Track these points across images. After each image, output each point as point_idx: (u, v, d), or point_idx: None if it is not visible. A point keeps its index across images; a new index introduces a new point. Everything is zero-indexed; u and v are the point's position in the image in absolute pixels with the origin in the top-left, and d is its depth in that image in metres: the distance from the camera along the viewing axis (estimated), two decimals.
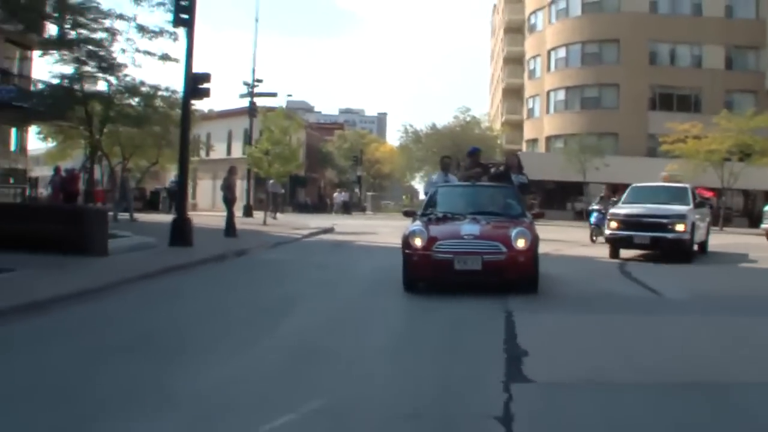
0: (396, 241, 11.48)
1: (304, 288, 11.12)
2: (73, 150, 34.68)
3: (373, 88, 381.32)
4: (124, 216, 25.22)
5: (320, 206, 60.38)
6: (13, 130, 28.64)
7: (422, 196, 18.64)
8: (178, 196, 17.38)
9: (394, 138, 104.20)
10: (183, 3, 15.68)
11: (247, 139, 37.54)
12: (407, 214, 13.04)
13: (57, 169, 29.98)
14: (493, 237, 10.02)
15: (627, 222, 16.78)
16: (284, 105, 40.99)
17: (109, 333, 7.52)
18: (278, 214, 35.49)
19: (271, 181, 33.61)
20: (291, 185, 52.82)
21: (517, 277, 10.03)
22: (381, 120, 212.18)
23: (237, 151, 55.84)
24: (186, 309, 9.29)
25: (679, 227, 16.18)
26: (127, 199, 27.61)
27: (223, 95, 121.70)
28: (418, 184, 77.64)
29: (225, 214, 20.49)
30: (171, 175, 40.49)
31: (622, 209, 17.51)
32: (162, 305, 9.64)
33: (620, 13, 53.56)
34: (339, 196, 61.40)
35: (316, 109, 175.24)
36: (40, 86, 24.25)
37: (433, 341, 7.16)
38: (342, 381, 5.63)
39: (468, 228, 10.19)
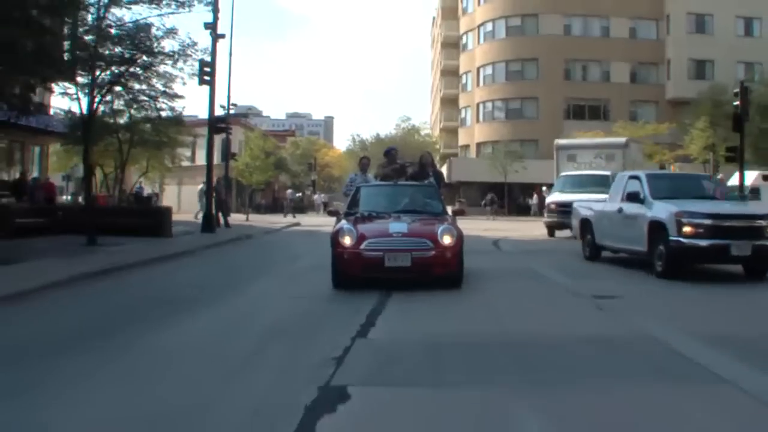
0: None
1: (301, 251, 18.94)
2: (69, 162, 40.54)
3: (319, 92, 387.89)
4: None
5: (275, 207, 62.11)
6: (37, 149, 34.92)
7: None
8: (206, 200, 24.62)
9: (341, 140, 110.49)
10: (207, 69, 23.16)
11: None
12: (332, 213, 13.18)
13: (25, 178, 36.07)
14: (421, 234, 10.21)
15: (714, 227, 11.39)
16: (234, 112, 46.79)
17: (223, 263, 15.79)
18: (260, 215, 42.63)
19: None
20: (251, 190, 57.10)
21: (444, 272, 10.19)
22: (328, 123, 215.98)
23: (201, 159, 60.03)
24: (249, 257, 17.52)
25: None
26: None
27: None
28: None
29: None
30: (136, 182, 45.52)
31: (694, 206, 11.89)
32: (235, 256, 17.94)
33: (539, 36, 60.89)
34: (318, 198, 66.54)
35: (264, 114, 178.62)
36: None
37: None
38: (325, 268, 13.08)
39: (396, 226, 10.40)
